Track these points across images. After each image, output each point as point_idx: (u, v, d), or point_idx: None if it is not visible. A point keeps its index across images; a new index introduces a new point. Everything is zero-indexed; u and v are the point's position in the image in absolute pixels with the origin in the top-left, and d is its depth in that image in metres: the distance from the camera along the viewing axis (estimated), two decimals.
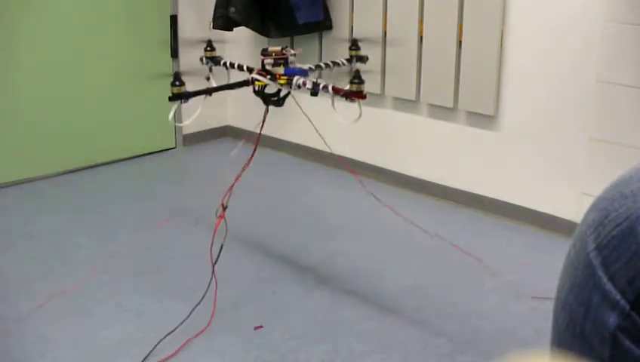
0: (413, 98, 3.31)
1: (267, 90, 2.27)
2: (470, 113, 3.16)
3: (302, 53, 2.32)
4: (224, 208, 2.29)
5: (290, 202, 3.31)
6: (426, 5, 3.16)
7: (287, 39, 3.74)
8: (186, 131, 4.08)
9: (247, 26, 3.57)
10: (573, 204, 2.88)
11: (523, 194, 3.05)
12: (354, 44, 2.55)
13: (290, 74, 2.21)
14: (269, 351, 2.10)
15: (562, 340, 0.55)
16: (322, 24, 3.53)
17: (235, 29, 3.65)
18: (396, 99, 3.42)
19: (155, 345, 2.07)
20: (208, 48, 2.54)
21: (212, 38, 2.65)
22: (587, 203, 0.58)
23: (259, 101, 4.31)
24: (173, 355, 2.07)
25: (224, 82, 2.47)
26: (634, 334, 0.48)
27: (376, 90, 3.44)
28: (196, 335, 2.16)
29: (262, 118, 2.33)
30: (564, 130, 2.88)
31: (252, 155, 2.34)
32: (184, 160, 3.96)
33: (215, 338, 2.16)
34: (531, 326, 2.26)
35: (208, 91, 2.24)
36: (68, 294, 2.42)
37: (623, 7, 2.59)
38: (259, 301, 2.40)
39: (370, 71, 2.20)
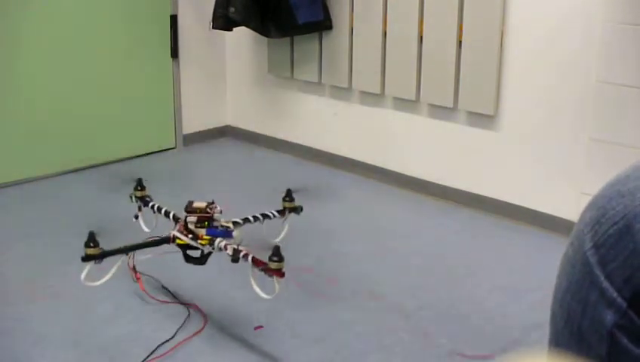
0: (413, 98, 3.31)
1: (191, 246, 2.17)
2: (470, 113, 3.16)
3: (224, 211, 2.20)
4: (135, 272, 2.25)
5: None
6: (426, 5, 3.16)
7: (288, 39, 3.74)
8: (186, 131, 4.08)
9: (247, 25, 3.57)
10: (573, 204, 2.88)
11: (523, 194, 3.05)
12: (288, 195, 2.45)
13: (212, 235, 2.11)
14: (269, 351, 2.10)
15: (560, 338, 0.55)
16: (322, 24, 3.53)
17: (235, 29, 3.65)
18: (396, 99, 3.42)
19: (154, 349, 2.07)
20: (138, 188, 2.46)
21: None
22: (586, 203, 0.57)
23: (259, 101, 4.33)
24: (173, 355, 2.06)
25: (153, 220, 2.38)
26: (631, 332, 0.49)
27: (376, 90, 3.44)
28: (195, 334, 2.16)
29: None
30: (564, 130, 2.88)
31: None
32: (184, 160, 3.96)
33: (215, 338, 2.16)
34: (531, 326, 2.25)
35: (125, 250, 2.14)
36: (68, 294, 2.42)
37: (623, 7, 2.59)
38: (258, 301, 2.39)
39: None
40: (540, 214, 3.00)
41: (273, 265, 1.96)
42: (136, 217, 2.45)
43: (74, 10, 3.55)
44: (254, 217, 2.33)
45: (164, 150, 4.00)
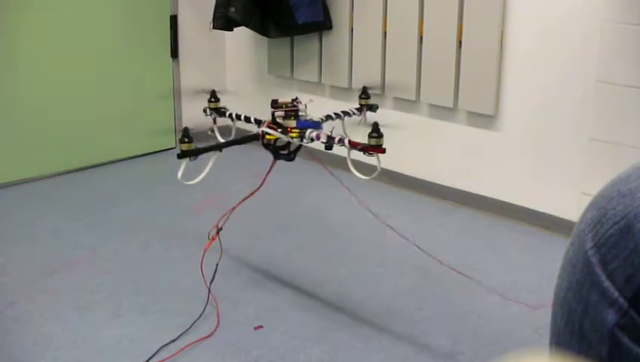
0: (413, 98, 3.31)
1: (278, 143, 2.19)
2: (470, 113, 3.16)
3: (314, 103, 2.24)
4: (218, 230, 2.24)
5: (289, 202, 3.31)
6: (426, 5, 3.16)
7: (288, 39, 3.74)
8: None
9: (247, 25, 3.57)
10: (573, 204, 2.88)
11: (523, 194, 3.05)
12: (364, 93, 2.49)
13: (302, 127, 2.11)
14: (269, 351, 2.10)
15: (561, 338, 0.55)
16: (322, 24, 3.53)
17: (235, 29, 3.65)
18: (396, 99, 3.42)
19: (155, 352, 2.07)
20: (212, 99, 2.46)
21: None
22: (587, 203, 0.57)
23: (258, 101, 4.34)
24: (173, 355, 2.06)
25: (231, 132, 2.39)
26: (632, 331, 0.49)
27: (377, 90, 3.44)
28: (198, 341, 2.16)
29: (269, 167, 2.22)
30: (564, 130, 2.88)
31: (259, 186, 2.26)
32: (217, 129, 3.95)
33: (215, 338, 2.16)
34: (531, 326, 2.26)
35: (218, 147, 2.13)
36: (68, 294, 2.42)
37: (623, 7, 2.59)
38: (259, 301, 2.40)
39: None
40: (540, 214, 3.00)
41: (373, 141, 1.96)
42: (212, 131, 2.44)
43: (74, 10, 3.55)
44: (335, 114, 2.35)
45: (164, 150, 4.01)
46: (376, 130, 1.97)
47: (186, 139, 2.05)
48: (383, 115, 3.49)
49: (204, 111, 2.48)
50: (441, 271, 2.64)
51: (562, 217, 2.93)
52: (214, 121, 2.46)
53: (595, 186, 2.54)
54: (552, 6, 2.82)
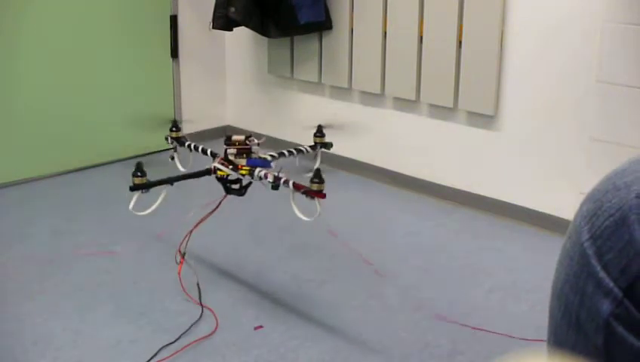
0: (413, 98, 3.31)
1: (230, 178, 2.30)
2: (470, 113, 3.16)
3: (265, 142, 2.37)
4: (182, 255, 2.33)
5: (288, 202, 3.31)
6: (426, 5, 3.16)
7: (288, 39, 3.74)
8: (186, 131, 4.07)
9: (247, 25, 3.57)
10: (573, 204, 2.86)
11: (523, 194, 3.05)
12: (319, 131, 2.62)
13: (252, 165, 2.23)
14: (269, 351, 2.10)
15: (558, 331, 0.56)
16: (322, 24, 3.53)
17: (235, 29, 3.65)
18: (396, 99, 3.42)
19: (156, 353, 2.06)
20: (174, 129, 2.61)
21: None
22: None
23: (259, 101, 4.34)
24: (173, 355, 2.06)
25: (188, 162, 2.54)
26: (627, 321, 0.50)
27: (376, 90, 3.44)
28: (198, 341, 2.16)
29: (218, 202, 2.33)
30: (564, 130, 2.88)
31: (211, 212, 2.34)
32: (184, 160, 3.95)
33: (215, 338, 2.16)
34: (531, 326, 2.25)
35: (169, 181, 2.26)
36: (68, 294, 2.42)
37: (623, 7, 2.59)
38: (259, 301, 2.40)
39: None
40: (540, 214, 3.00)
41: (315, 187, 2.07)
42: (172, 158, 2.59)
43: (74, 10, 3.54)
44: (289, 151, 2.48)
45: (164, 150, 4.00)
46: (317, 177, 2.08)
47: (139, 173, 2.18)
48: (383, 115, 3.50)
49: (166, 139, 2.62)
50: (441, 271, 2.65)
51: (562, 217, 2.93)
52: (175, 150, 2.61)
53: None
54: (552, 6, 2.82)
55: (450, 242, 2.90)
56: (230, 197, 2.36)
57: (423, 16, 3.18)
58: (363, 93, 3.55)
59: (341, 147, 3.68)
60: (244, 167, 2.24)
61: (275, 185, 2.15)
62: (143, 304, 2.36)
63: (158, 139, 3.98)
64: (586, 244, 0.53)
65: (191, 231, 2.36)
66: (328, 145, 2.65)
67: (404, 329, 2.23)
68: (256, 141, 2.28)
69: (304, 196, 2.11)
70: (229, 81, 4.24)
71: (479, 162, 3.18)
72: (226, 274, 2.58)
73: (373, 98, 3.51)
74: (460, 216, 3.17)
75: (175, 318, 2.26)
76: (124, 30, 3.75)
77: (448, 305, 2.38)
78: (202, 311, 2.28)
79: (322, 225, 3.06)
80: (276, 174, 2.16)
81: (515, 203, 3.08)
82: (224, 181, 2.29)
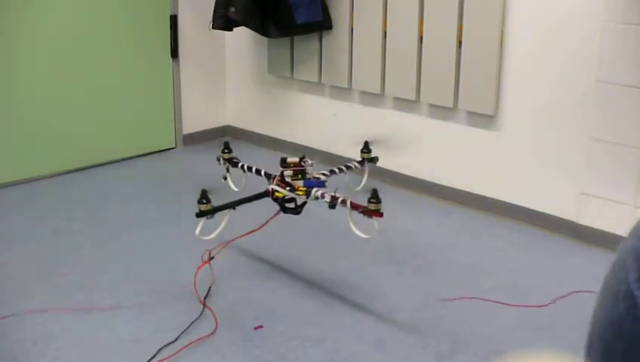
0: (413, 98, 3.31)
1: (285, 198, 2.36)
2: (470, 113, 3.16)
3: (314, 164, 2.45)
4: (210, 258, 2.36)
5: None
6: (426, 5, 3.16)
7: (288, 39, 3.74)
8: (185, 131, 4.08)
9: (246, 25, 3.57)
10: (573, 204, 2.88)
11: (523, 194, 3.05)
12: (365, 147, 2.71)
13: (309, 186, 2.30)
14: (269, 351, 2.10)
15: None
16: (322, 24, 3.53)
17: (235, 29, 3.65)
18: (396, 99, 3.42)
19: (156, 353, 2.06)
20: (226, 150, 2.66)
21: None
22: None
23: (259, 101, 4.34)
24: (173, 355, 2.06)
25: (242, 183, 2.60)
26: None
27: (377, 90, 3.44)
28: (198, 341, 2.16)
29: (268, 219, 2.40)
30: (564, 130, 2.88)
31: (259, 228, 2.41)
32: (184, 160, 3.96)
33: (215, 338, 2.16)
34: (531, 326, 2.26)
35: (232, 205, 2.31)
36: (68, 294, 2.42)
37: (623, 7, 2.59)
38: (259, 301, 2.40)
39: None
40: (539, 214, 3.00)
41: (372, 206, 2.14)
42: (225, 178, 2.64)
43: (74, 10, 3.55)
44: (339, 168, 2.56)
45: (164, 150, 4.01)
46: (375, 197, 2.15)
47: (204, 201, 2.23)
48: (383, 115, 3.50)
49: (218, 159, 2.67)
50: (442, 270, 2.65)
51: (562, 217, 2.93)
52: (227, 170, 2.66)
53: (594, 186, 2.53)
54: (552, 6, 2.82)
55: (450, 242, 2.90)
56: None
57: (423, 16, 3.18)
58: (363, 93, 3.55)
59: (341, 147, 3.68)
60: (301, 188, 2.30)
61: (333, 205, 2.21)
62: (143, 304, 2.36)
63: (159, 139, 4.00)
64: (634, 286, 0.49)
65: (231, 240, 2.44)
66: (375, 160, 2.73)
67: (405, 329, 2.23)
68: (310, 162, 2.37)
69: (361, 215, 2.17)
70: (229, 81, 4.24)
71: (479, 162, 3.18)
72: (226, 274, 2.57)
73: (373, 98, 3.51)
74: (460, 216, 3.17)
75: (175, 318, 2.26)
76: (124, 30, 3.75)
77: (448, 304, 2.38)
78: (203, 310, 2.28)
79: (322, 226, 3.06)
80: (333, 194, 2.22)
81: (515, 203, 3.08)
82: (280, 201, 2.36)
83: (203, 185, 2.33)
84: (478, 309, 2.36)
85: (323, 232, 2.97)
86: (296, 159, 2.36)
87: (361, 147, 2.72)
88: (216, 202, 2.29)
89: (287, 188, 2.32)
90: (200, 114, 4.15)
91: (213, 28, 3.60)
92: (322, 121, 3.77)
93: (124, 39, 3.76)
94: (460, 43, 3.09)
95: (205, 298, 2.35)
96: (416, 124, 3.37)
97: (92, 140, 3.72)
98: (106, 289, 2.46)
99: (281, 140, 3.93)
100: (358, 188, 2.60)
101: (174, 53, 3.96)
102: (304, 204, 2.35)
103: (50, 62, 3.50)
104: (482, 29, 3.00)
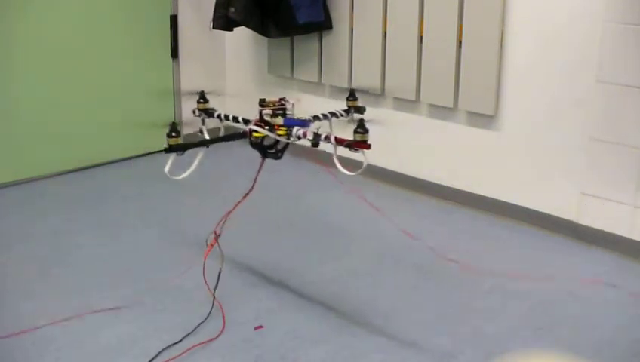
0: (413, 98, 3.31)
1: (265, 142, 2.21)
2: (470, 113, 3.16)
3: (300, 102, 2.28)
4: (217, 236, 2.26)
5: (289, 203, 3.31)
6: (426, 5, 3.16)
7: (288, 39, 3.74)
8: (186, 131, 4.07)
9: (246, 25, 3.57)
10: (573, 204, 2.88)
11: (523, 194, 3.05)
12: (351, 95, 2.54)
13: (290, 125, 2.14)
14: (269, 351, 2.10)
15: None
16: (322, 24, 3.53)
17: (235, 29, 3.65)
18: (396, 99, 3.42)
19: (158, 353, 2.06)
20: (201, 100, 2.49)
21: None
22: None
23: (258, 99, 4.30)
24: (174, 357, 2.06)
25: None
26: None
27: (377, 90, 3.44)
28: (200, 344, 2.16)
29: (259, 167, 2.27)
30: (564, 130, 2.88)
31: (251, 187, 2.29)
32: (184, 160, 3.95)
33: (215, 338, 2.15)
34: (531, 326, 2.26)
35: (205, 143, 2.18)
36: (68, 294, 2.42)
37: (623, 7, 2.59)
38: (259, 301, 2.39)
39: (371, 120, 2.16)
40: (540, 214, 3.00)
41: (359, 137, 1.97)
42: (201, 132, 2.46)
43: (74, 10, 3.54)
44: (323, 115, 2.37)
45: (164, 150, 4.00)
46: (361, 126, 1.97)
47: (173, 134, 2.08)
48: (383, 115, 3.50)
49: (193, 112, 2.51)
50: (441, 271, 2.65)
51: (562, 217, 2.93)
52: (203, 122, 2.49)
53: (594, 186, 2.54)
54: (553, 6, 2.82)
55: (450, 242, 2.90)
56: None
57: (423, 16, 3.18)
58: (363, 93, 3.54)
59: (341, 148, 3.68)
60: (281, 127, 2.14)
61: (316, 143, 2.06)
62: (144, 304, 2.36)
63: (159, 139, 3.99)
64: None
65: (230, 211, 2.27)
66: (361, 109, 2.53)
67: (405, 329, 2.22)
68: (290, 101, 2.20)
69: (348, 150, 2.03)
70: (229, 81, 4.24)
71: (479, 162, 3.18)
72: (226, 274, 2.57)
73: (373, 98, 3.51)
74: (460, 216, 3.17)
75: (176, 318, 2.26)
76: (125, 30, 3.75)
77: (448, 304, 2.38)
78: (213, 304, 2.26)
79: (322, 226, 3.06)
80: (315, 131, 2.08)
81: (515, 203, 3.08)
82: (260, 145, 2.21)
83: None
84: (478, 309, 2.35)
85: (323, 232, 2.97)
86: (275, 98, 2.18)
87: (347, 95, 2.56)
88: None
89: (267, 127, 2.16)
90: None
91: (213, 28, 3.60)
92: (322, 121, 3.76)
93: (124, 39, 3.76)
94: (460, 43, 3.09)
95: (215, 288, 2.30)
96: (417, 124, 3.37)
97: (92, 140, 3.72)
98: (106, 289, 2.46)
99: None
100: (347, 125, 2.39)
101: (174, 53, 3.96)
102: (285, 147, 2.21)
103: (50, 62, 3.50)
104: (482, 29, 3.00)
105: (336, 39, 3.55)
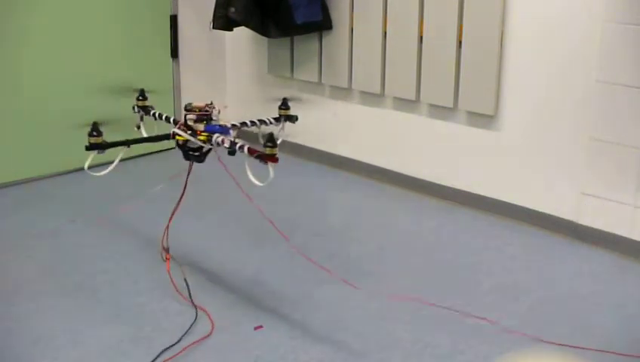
0: (413, 98, 3.31)
1: (190, 145, 2.29)
2: (470, 113, 3.16)
3: (228, 108, 2.38)
4: (167, 250, 2.33)
5: (289, 202, 3.31)
6: (426, 5, 3.16)
7: (288, 39, 3.74)
8: None
9: (246, 25, 3.57)
10: (573, 204, 2.88)
11: (523, 194, 3.05)
12: (284, 104, 2.61)
13: (210, 131, 2.23)
14: (269, 351, 2.10)
15: None
16: (321, 24, 3.53)
17: (235, 29, 3.65)
18: (396, 99, 3.42)
19: (158, 355, 2.06)
20: (140, 97, 2.59)
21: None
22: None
23: (258, 100, 4.33)
24: (173, 356, 2.06)
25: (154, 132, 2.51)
26: None
27: (377, 90, 3.44)
28: (198, 341, 2.16)
29: (187, 170, 2.34)
30: (564, 130, 2.88)
31: (182, 193, 2.36)
32: (184, 160, 3.94)
33: (215, 339, 2.16)
34: (531, 326, 2.26)
35: (126, 143, 2.26)
36: (68, 294, 2.42)
37: (623, 7, 2.59)
38: (259, 301, 2.40)
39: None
40: (540, 214, 3.00)
41: (268, 151, 2.02)
42: (138, 127, 2.58)
43: (73, 10, 3.54)
44: (251, 122, 2.44)
45: (164, 150, 4.00)
46: (270, 140, 2.04)
47: (95, 133, 2.18)
48: (383, 115, 3.50)
49: (133, 108, 2.61)
50: (442, 270, 2.65)
51: (562, 217, 2.93)
52: (141, 119, 2.60)
53: (594, 186, 2.54)
54: (552, 6, 2.82)
55: (450, 242, 2.90)
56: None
57: (423, 16, 3.18)
58: (363, 93, 3.55)
59: (341, 148, 3.69)
60: (202, 133, 2.22)
61: (232, 151, 2.13)
62: (143, 304, 2.36)
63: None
64: None
65: (167, 226, 2.36)
66: (293, 119, 2.61)
67: (405, 329, 2.23)
68: (217, 108, 2.27)
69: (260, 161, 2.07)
70: (229, 81, 4.24)
71: (479, 162, 3.18)
72: (227, 274, 2.58)
73: (373, 98, 3.51)
74: (460, 216, 3.17)
75: (175, 318, 2.26)
76: (125, 30, 3.75)
77: (448, 304, 2.38)
78: (197, 311, 2.27)
79: (322, 225, 3.06)
80: (232, 139, 2.15)
81: (515, 203, 3.08)
82: (184, 148, 2.29)
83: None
84: (478, 309, 2.35)
85: (323, 232, 2.97)
86: (202, 104, 2.28)
87: (279, 103, 2.63)
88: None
89: (189, 132, 2.24)
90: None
91: (213, 28, 3.60)
92: (322, 121, 3.77)
93: (124, 39, 3.76)
94: (460, 43, 3.09)
95: (190, 295, 2.33)
96: (416, 124, 3.37)
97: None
98: (106, 289, 2.46)
99: (281, 140, 3.93)
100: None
101: (174, 53, 3.96)
102: (209, 151, 2.28)
103: (50, 61, 3.50)
104: (482, 29, 3.00)
105: (336, 39, 3.55)
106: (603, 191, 2.77)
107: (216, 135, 2.20)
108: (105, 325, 2.23)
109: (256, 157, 2.04)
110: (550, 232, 2.96)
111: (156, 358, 2.05)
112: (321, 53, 3.64)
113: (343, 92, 3.64)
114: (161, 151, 3.98)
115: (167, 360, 2.04)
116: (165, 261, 2.32)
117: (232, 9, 3.48)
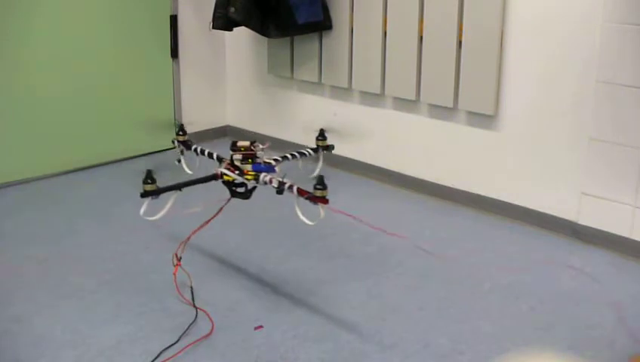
0: (413, 98, 3.31)
1: (236, 182, 2.35)
2: (470, 113, 3.16)
3: (269, 147, 2.42)
4: (178, 259, 2.36)
5: (288, 203, 3.31)
6: (426, 5, 3.16)
7: (288, 39, 3.74)
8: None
9: (246, 26, 3.57)
10: (573, 204, 2.88)
11: (523, 194, 3.05)
12: (321, 135, 2.70)
13: (257, 170, 2.29)
14: (269, 351, 2.10)
15: None
16: (322, 24, 3.53)
17: (235, 29, 3.65)
18: (396, 99, 3.42)
19: (157, 355, 2.06)
20: (180, 132, 2.69)
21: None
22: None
23: (259, 101, 4.33)
24: (173, 356, 2.06)
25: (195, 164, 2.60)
26: None
27: (377, 90, 3.45)
28: (198, 341, 2.16)
29: (221, 206, 2.38)
30: (564, 130, 2.88)
31: (215, 214, 2.38)
32: (184, 160, 3.95)
33: (215, 338, 2.16)
34: (531, 326, 2.26)
35: (178, 187, 2.30)
36: (68, 294, 2.42)
37: (623, 7, 2.59)
38: (259, 301, 2.40)
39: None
40: (540, 214, 3.00)
41: (318, 193, 2.11)
42: (179, 161, 2.68)
43: (73, 10, 3.55)
44: (292, 154, 2.55)
45: (164, 150, 4.00)
46: (321, 183, 2.11)
47: (149, 181, 2.24)
48: (383, 115, 3.50)
49: (173, 142, 2.71)
50: (442, 270, 2.65)
51: (562, 217, 2.93)
52: (182, 153, 2.70)
53: (594, 186, 2.54)
54: (552, 6, 2.82)
55: (450, 242, 2.90)
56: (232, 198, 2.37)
57: (423, 16, 3.18)
58: (363, 93, 3.55)
59: (341, 147, 3.68)
60: (249, 173, 2.29)
61: (280, 190, 2.19)
62: (143, 304, 2.36)
63: (159, 139, 3.99)
64: None
65: (189, 237, 2.39)
66: (330, 148, 2.73)
67: (405, 329, 2.23)
68: (260, 146, 2.34)
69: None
70: (229, 81, 4.24)
71: (479, 162, 3.18)
72: (227, 274, 2.58)
73: (373, 98, 3.52)
74: (460, 216, 3.17)
75: (175, 318, 2.26)
76: (125, 30, 3.75)
77: (448, 304, 2.38)
78: (197, 313, 2.28)
79: (321, 225, 3.06)
80: (280, 179, 2.21)
81: (515, 203, 3.08)
82: (230, 185, 2.35)
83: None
84: (478, 309, 2.36)
85: (323, 232, 2.97)
86: (247, 143, 2.34)
87: (316, 134, 2.71)
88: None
89: (236, 172, 2.31)
90: (200, 114, 4.15)
91: (213, 28, 3.60)
92: (322, 121, 3.77)
93: (124, 39, 3.76)
94: (460, 43, 3.09)
95: (193, 300, 2.34)
96: (417, 124, 3.37)
97: (92, 140, 3.72)
98: (106, 289, 2.46)
99: (281, 140, 3.93)
100: (312, 176, 2.54)
101: (174, 53, 3.96)
102: (254, 188, 2.34)
103: (50, 62, 3.50)
104: (482, 29, 3.00)
105: (336, 39, 3.55)
106: (603, 191, 2.77)
107: (263, 174, 2.27)
108: (105, 325, 2.23)
109: (307, 198, 2.13)
110: (550, 232, 2.96)
111: (156, 358, 2.05)
112: (321, 53, 3.64)
113: (343, 92, 3.64)
114: (160, 151, 3.99)
115: (167, 360, 2.04)
116: (174, 266, 2.35)
117: (232, 9, 3.48)
